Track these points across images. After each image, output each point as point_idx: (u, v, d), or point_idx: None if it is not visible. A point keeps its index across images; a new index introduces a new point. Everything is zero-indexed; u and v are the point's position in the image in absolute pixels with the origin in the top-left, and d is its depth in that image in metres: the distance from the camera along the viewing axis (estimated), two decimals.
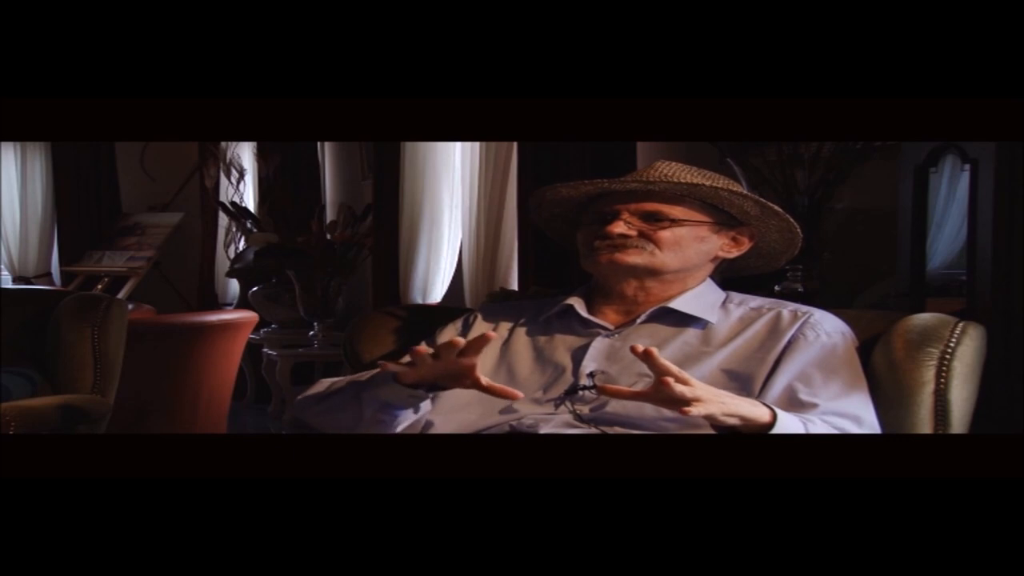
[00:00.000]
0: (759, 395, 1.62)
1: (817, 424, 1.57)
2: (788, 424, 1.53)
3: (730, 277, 1.86)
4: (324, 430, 1.79)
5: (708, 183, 1.74)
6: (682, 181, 1.73)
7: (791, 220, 1.79)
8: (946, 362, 1.67)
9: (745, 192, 1.78)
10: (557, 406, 1.66)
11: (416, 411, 1.71)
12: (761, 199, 1.76)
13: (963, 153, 2.09)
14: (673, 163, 1.78)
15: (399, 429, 1.71)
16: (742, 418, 1.50)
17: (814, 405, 1.60)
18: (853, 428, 1.59)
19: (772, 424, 1.51)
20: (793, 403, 1.60)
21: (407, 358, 1.64)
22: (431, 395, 1.69)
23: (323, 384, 1.83)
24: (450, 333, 1.87)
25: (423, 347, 1.62)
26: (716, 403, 1.47)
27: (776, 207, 1.77)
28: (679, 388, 1.44)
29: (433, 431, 1.70)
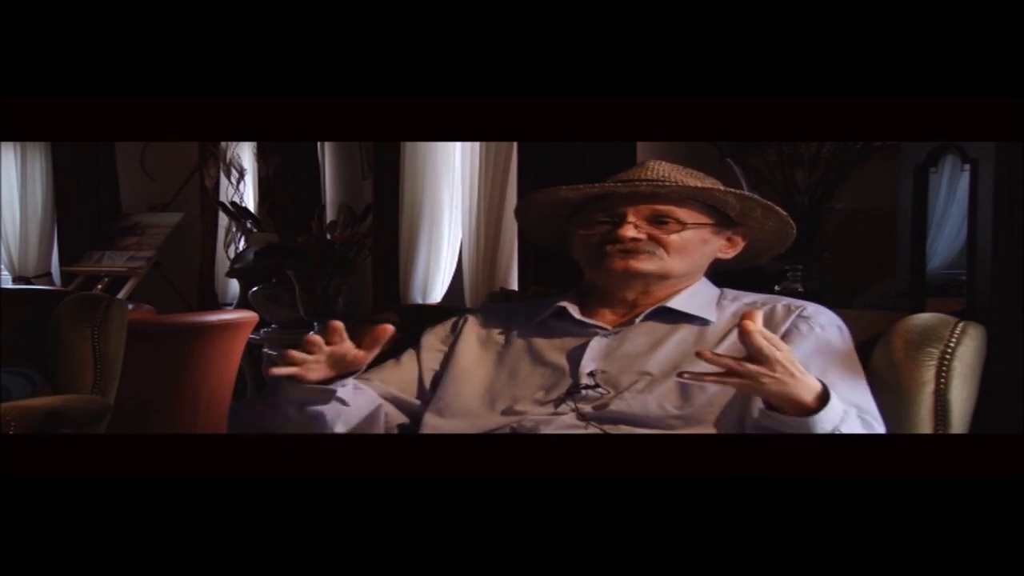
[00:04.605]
0: None
1: (852, 415, 1.52)
2: (834, 412, 1.48)
3: (719, 271, 1.86)
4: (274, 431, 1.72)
5: (713, 186, 1.74)
6: (693, 185, 1.73)
7: (789, 220, 1.79)
8: (946, 362, 1.67)
9: (749, 195, 1.78)
10: (558, 406, 1.66)
11: (346, 404, 1.64)
12: (765, 201, 1.76)
13: (963, 153, 2.09)
14: (663, 163, 1.77)
15: (338, 428, 1.66)
16: (792, 401, 1.47)
17: None
18: (854, 416, 1.58)
19: (817, 410, 1.46)
20: None
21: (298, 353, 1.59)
22: (346, 384, 1.63)
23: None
24: (438, 335, 1.86)
25: (314, 336, 1.58)
26: (785, 381, 1.44)
27: (779, 209, 1.77)
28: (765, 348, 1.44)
29: (433, 432, 1.70)
